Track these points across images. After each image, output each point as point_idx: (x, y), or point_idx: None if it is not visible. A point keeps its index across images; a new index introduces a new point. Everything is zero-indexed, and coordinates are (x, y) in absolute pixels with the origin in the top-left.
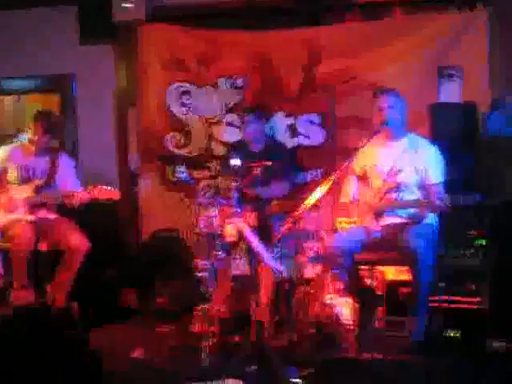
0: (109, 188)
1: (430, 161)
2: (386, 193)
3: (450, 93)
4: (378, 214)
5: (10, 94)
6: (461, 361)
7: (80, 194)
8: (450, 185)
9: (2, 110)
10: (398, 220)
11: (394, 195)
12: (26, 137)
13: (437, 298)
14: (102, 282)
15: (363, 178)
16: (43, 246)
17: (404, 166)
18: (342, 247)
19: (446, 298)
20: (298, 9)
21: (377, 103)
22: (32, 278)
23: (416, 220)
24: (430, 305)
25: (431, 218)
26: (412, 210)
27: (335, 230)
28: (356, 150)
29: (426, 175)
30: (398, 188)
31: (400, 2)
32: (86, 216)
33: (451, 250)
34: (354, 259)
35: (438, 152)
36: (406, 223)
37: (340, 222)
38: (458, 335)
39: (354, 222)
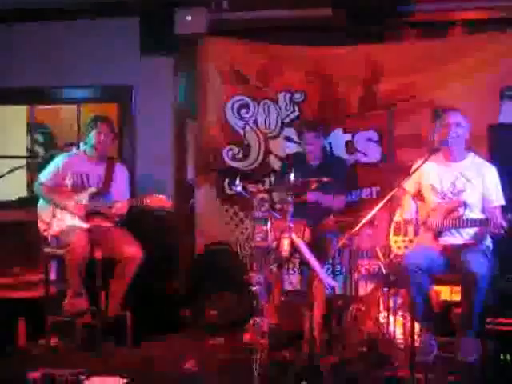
0: (160, 196)
1: (492, 183)
2: (450, 211)
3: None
4: (439, 233)
5: (70, 103)
6: None
7: (121, 203)
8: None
9: (63, 118)
10: (458, 240)
11: (457, 214)
12: (84, 145)
13: (491, 320)
14: (154, 292)
15: (418, 197)
16: (98, 255)
17: (466, 186)
18: (413, 265)
19: (501, 320)
20: (359, 25)
21: (441, 121)
22: (86, 286)
23: (476, 241)
24: (484, 328)
25: (488, 240)
26: (473, 231)
27: (390, 249)
28: (412, 167)
29: (488, 197)
30: (463, 206)
31: (462, 22)
32: (142, 226)
33: (505, 272)
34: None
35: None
36: (465, 244)
37: (396, 242)
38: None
39: (410, 241)
